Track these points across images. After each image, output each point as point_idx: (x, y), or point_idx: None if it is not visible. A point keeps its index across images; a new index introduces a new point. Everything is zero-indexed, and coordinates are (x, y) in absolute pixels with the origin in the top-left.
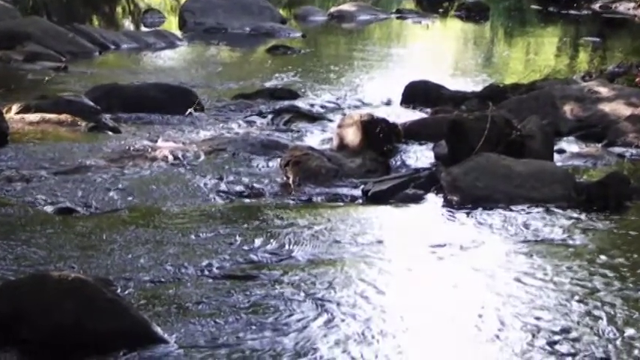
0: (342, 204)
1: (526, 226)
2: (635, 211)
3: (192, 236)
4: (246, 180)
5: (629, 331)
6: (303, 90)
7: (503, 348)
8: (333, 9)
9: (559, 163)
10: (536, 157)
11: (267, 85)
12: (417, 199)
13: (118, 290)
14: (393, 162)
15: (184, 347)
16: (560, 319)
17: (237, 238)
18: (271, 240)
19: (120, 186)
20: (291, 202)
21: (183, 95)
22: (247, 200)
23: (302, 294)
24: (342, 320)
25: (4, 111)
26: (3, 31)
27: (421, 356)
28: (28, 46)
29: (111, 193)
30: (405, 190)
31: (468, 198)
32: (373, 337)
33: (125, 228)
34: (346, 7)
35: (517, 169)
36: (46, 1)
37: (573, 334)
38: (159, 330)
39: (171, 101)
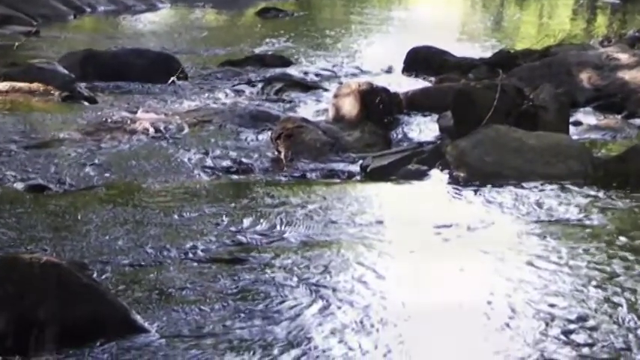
0: (338, 181)
1: (539, 204)
2: None
3: (175, 216)
4: (233, 154)
5: None
6: (296, 57)
7: (514, 338)
8: None
9: (575, 137)
10: (550, 129)
11: (257, 51)
12: (420, 175)
13: (94, 274)
14: (394, 135)
15: (167, 337)
16: (577, 306)
17: (224, 218)
18: (261, 220)
19: (96, 161)
20: (283, 178)
21: (165, 62)
22: (235, 177)
23: (295, 279)
24: (339, 308)
25: None
26: None
27: (424, 347)
28: None
29: (86, 169)
30: (407, 166)
31: (475, 174)
32: (372, 325)
33: (102, 207)
34: None
35: (529, 142)
36: None
37: (590, 323)
38: (139, 318)
39: (153, 69)
